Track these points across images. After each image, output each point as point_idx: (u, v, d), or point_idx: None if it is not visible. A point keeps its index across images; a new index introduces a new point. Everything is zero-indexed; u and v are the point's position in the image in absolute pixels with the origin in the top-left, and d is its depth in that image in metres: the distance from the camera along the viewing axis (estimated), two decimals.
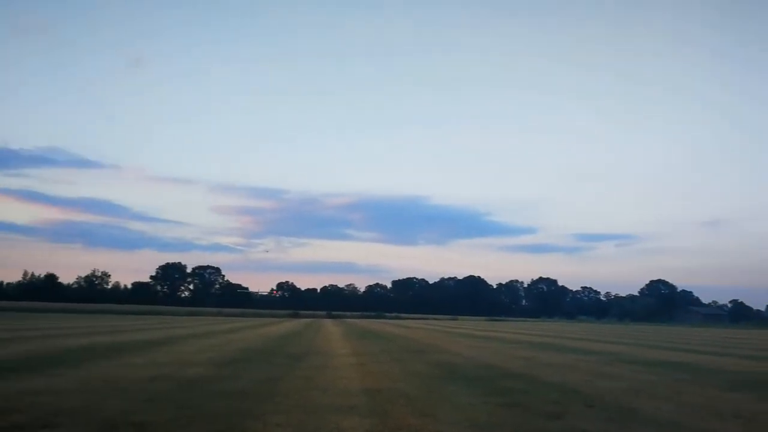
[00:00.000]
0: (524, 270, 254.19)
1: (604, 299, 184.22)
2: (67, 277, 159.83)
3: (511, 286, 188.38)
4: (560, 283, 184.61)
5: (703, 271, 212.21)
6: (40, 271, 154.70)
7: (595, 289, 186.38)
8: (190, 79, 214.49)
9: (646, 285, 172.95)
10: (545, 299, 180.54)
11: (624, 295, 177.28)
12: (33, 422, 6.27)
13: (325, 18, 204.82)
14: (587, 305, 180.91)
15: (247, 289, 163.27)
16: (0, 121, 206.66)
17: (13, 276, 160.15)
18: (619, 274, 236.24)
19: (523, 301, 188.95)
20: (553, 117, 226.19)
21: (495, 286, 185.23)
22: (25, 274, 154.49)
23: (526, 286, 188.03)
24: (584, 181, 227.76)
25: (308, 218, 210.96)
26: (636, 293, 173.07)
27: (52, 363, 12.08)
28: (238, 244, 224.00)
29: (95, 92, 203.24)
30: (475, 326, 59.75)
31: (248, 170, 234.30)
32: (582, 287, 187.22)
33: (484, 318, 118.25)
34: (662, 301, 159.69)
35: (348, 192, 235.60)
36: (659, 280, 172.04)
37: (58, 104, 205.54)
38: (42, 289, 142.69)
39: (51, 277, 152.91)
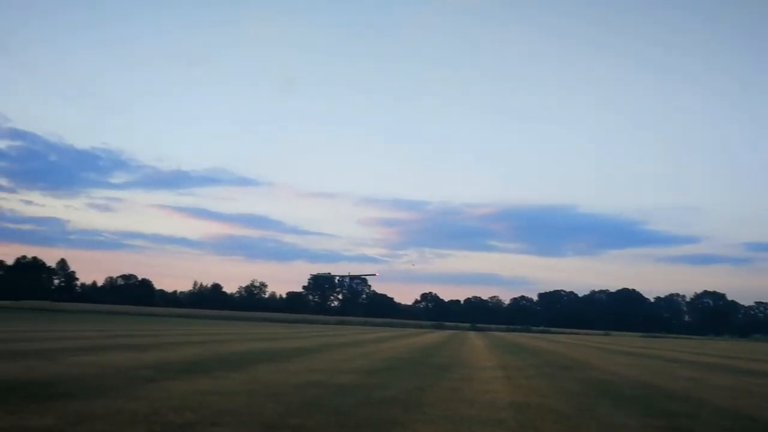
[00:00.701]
0: (686, 283, 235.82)
1: None
2: (230, 286, 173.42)
3: (671, 300, 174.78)
4: (729, 298, 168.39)
5: None
6: (208, 281, 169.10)
7: None
8: (335, 102, 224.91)
9: None
10: (711, 315, 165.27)
11: None
12: (203, 420, 6.81)
13: (473, 33, 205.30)
14: (763, 322, 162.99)
15: (392, 299, 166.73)
16: (175, 146, 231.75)
17: (184, 285, 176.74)
18: None
19: (685, 317, 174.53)
20: (715, 113, 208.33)
21: (652, 300, 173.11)
22: (195, 284, 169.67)
23: (688, 300, 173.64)
24: (755, 184, 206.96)
25: (451, 229, 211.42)
26: None
27: (218, 366, 13.07)
28: (383, 255, 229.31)
29: (252, 117, 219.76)
30: (630, 342, 56.18)
31: (392, 183, 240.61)
32: (756, 302, 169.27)
33: (639, 334, 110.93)
34: None
35: (491, 202, 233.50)
36: None
37: (222, 129, 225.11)
38: (209, 298, 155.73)
39: (216, 287, 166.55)
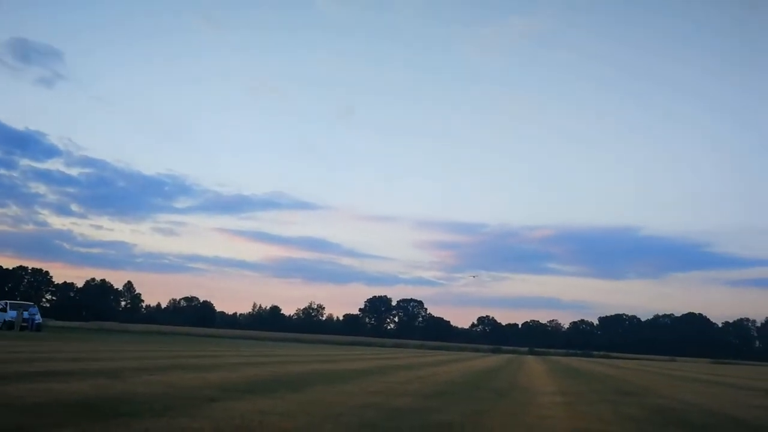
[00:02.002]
0: (756, 306, 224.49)
1: None
2: (289, 309, 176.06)
3: (741, 325, 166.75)
4: None
5: None
6: (267, 304, 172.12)
7: None
8: (392, 126, 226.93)
9: None
10: None
11: None
12: None
13: (528, 56, 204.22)
14: None
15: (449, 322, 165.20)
16: (235, 172, 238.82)
17: (244, 308, 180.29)
18: None
19: (756, 343, 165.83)
20: None
21: (720, 325, 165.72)
22: (254, 306, 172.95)
23: (758, 324, 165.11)
24: None
25: (508, 252, 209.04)
26: None
27: (277, 387, 13.27)
28: (439, 278, 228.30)
29: (311, 142, 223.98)
30: (697, 369, 53.76)
31: (449, 206, 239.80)
32: None
33: (707, 360, 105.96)
34: None
35: (549, 224, 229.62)
36: None
37: (281, 154, 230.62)
38: (268, 320, 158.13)
39: (275, 309, 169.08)
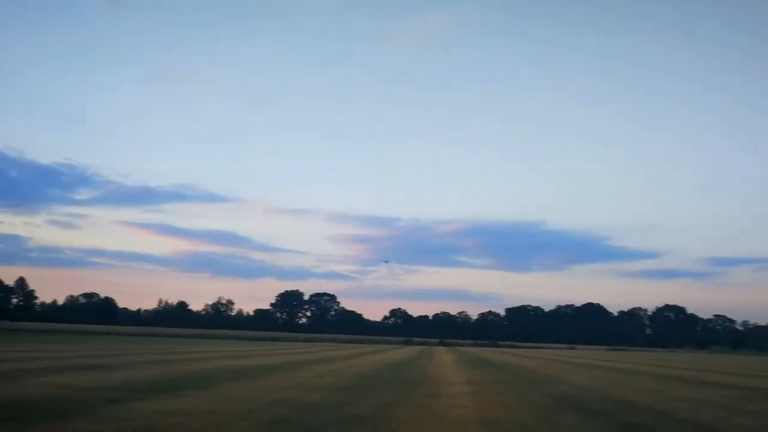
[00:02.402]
0: (648, 297, 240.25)
1: (741, 328, 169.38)
2: (197, 304, 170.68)
3: (634, 314, 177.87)
4: (689, 311, 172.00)
5: None
6: (173, 299, 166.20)
7: (729, 317, 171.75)
8: (304, 118, 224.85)
9: None
10: (672, 328, 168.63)
11: (764, 324, 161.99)
12: None
13: (442, 50, 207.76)
14: (721, 335, 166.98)
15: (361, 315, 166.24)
16: (140, 162, 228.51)
17: (149, 303, 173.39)
18: (758, 302, 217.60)
19: (647, 330, 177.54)
20: (676, 130, 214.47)
21: (616, 314, 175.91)
22: (160, 301, 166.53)
23: (650, 313, 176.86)
24: (714, 201, 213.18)
25: (420, 245, 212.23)
26: None
27: (184, 385, 12.88)
28: (353, 271, 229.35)
29: (220, 133, 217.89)
30: (594, 356, 56.97)
31: (361, 200, 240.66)
32: (714, 315, 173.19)
33: (604, 348, 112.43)
34: None
35: (459, 218, 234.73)
36: None
37: (189, 145, 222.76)
38: (174, 316, 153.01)
39: (182, 305, 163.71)
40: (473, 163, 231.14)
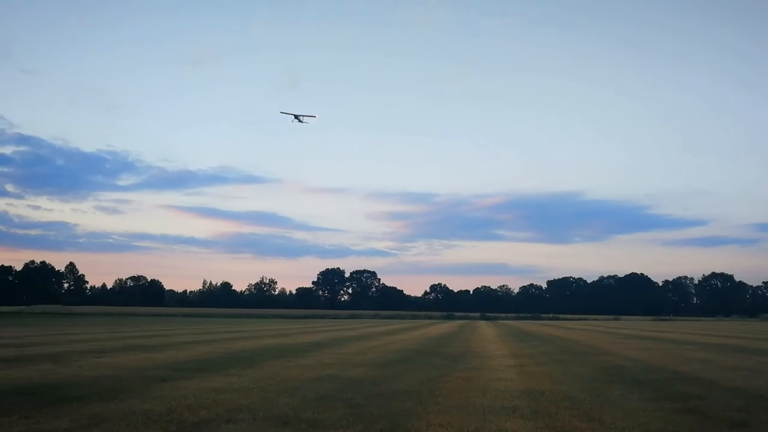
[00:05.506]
0: (693, 265, 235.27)
1: None
2: (240, 284, 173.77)
3: (679, 284, 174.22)
4: (737, 279, 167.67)
5: None
6: (217, 280, 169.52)
7: None
8: (341, 97, 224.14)
9: None
10: (720, 296, 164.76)
11: None
12: (217, 418, 6.86)
13: (476, 25, 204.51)
14: None
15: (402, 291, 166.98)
16: (181, 146, 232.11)
17: (194, 285, 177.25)
18: None
19: (694, 299, 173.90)
20: (719, 93, 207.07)
21: (660, 284, 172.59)
22: (204, 283, 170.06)
23: (696, 282, 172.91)
24: (760, 165, 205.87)
25: (458, 220, 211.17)
26: None
27: (230, 364, 13.14)
28: (392, 248, 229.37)
29: (257, 115, 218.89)
30: (640, 326, 56.11)
31: (400, 176, 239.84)
32: (764, 282, 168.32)
33: (649, 318, 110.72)
34: None
35: (497, 192, 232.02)
36: None
37: (227, 128, 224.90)
38: (219, 296, 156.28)
39: (226, 285, 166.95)
40: (510, 136, 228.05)
